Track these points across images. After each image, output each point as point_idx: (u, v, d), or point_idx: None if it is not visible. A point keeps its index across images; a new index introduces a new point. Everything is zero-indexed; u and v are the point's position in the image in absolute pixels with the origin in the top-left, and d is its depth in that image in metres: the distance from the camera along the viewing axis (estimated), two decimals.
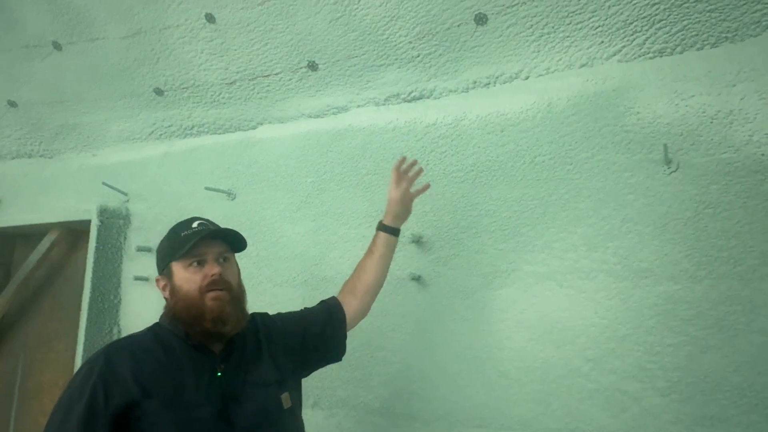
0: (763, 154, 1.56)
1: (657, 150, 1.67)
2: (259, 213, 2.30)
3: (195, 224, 1.40)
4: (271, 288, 2.21)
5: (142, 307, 2.55)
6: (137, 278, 2.53)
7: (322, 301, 1.66)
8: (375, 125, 2.12)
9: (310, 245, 2.16)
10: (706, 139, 1.63)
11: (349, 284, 1.67)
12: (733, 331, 1.53)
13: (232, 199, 2.38)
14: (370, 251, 1.67)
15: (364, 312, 1.67)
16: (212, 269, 1.34)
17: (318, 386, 2.03)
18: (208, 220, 1.45)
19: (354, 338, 2.02)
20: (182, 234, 1.38)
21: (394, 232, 1.68)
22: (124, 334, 2.58)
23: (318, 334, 1.56)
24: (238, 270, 1.45)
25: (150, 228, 2.58)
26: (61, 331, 2.78)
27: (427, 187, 1.74)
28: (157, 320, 1.42)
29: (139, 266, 2.57)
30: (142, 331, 1.40)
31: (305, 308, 1.64)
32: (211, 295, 1.32)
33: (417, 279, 1.94)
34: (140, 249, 2.52)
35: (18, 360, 2.93)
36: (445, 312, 1.88)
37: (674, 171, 1.65)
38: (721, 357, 1.53)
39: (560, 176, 1.79)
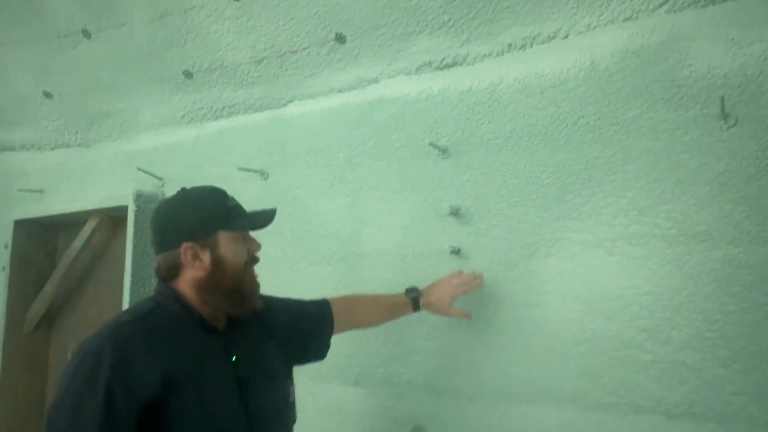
0: None
1: (713, 104, 1.55)
2: (292, 191, 2.27)
3: (230, 194, 1.37)
4: (308, 267, 2.18)
5: None
6: None
7: (314, 301, 1.63)
8: (407, 95, 2.05)
9: (345, 221, 2.12)
10: (767, 89, 1.50)
11: (351, 308, 1.69)
12: None
13: (265, 179, 2.35)
14: (392, 305, 1.72)
15: (344, 331, 1.68)
16: (256, 247, 1.34)
17: (359, 364, 2.00)
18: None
19: None
20: (230, 204, 1.32)
21: (418, 310, 1.75)
22: None
23: (310, 329, 1.56)
24: None
25: None
26: (105, 317, 2.82)
27: (469, 315, 1.76)
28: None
29: None
30: (142, 309, 1.27)
31: (297, 299, 1.61)
32: (251, 272, 1.33)
33: (457, 252, 1.87)
34: None
35: (67, 347, 3.00)
36: (488, 285, 1.81)
37: (732, 126, 1.53)
38: None
39: (606, 138, 1.68)
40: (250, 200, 2.35)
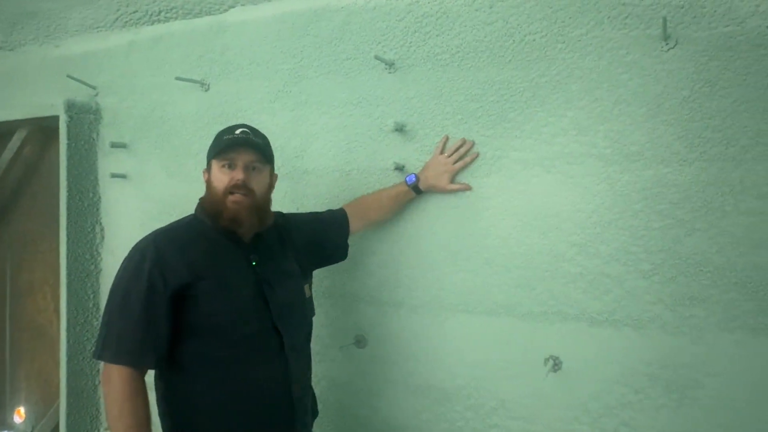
0: (767, 27, 1.46)
1: (655, 25, 1.55)
2: (235, 104, 2.19)
3: (238, 131, 1.53)
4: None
5: (122, 205, 2.50)
6: (114, 175, 2.45)
7: (330, 211, 1.85)
8: (354, 4, 1.96)
9: (290, 137, 2.08)
10: (709, 11, 1.51)
11: (362, 206, 1.85)
12: (720, 213, 1.51)
13: (206, 90, 2.26)
14: (396, 197, 1.83)
15: (356, 232, 1.88)
16: (237, 174, 1.48)
17: None
18: (252, 129, 1.57)
19: None
20: (224, 137, 1.52)
21: (420, 193, 1.83)
22: (107, 233, 2.57)
23: (327, 236, 1.79)
24: (270, 182, 1.59)
25: (123, 123, 2.47)
26: (44, 231, 2.75)
27: (468, 187, 1.80)
28: (150, 221, 1.60)
29: (115, 163, 2.49)
30: (181, 221, 1.57)
31: (313, 212, 1.85)
32: (231, 197, 1.47)
33: (401, 169, 1.88)
34: (114, 145, 2.43)
35: (6, 260, 2.93)
36: (430, 200, 1.85)
37: (672, 47, 1.55)
38: (706, 239, 1.52)
39: (552, 56, 1.68)
40: (190, 112, 2.29)
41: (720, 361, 1.52)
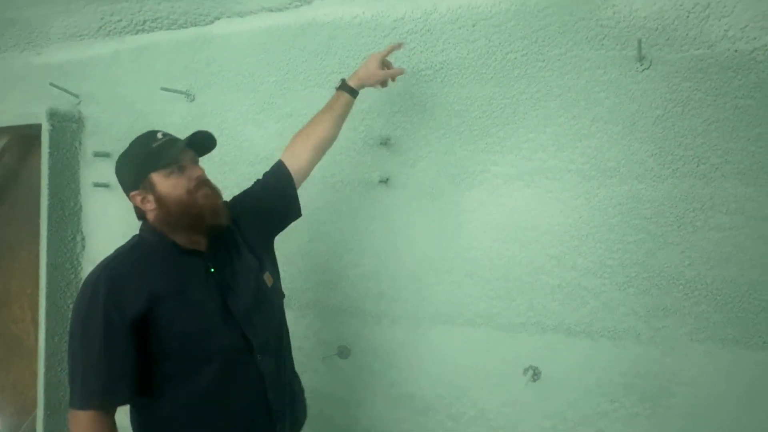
0: (736, 51, 1.53)
1: (631, 46, 1.62)
2: (221, 115, 2.21)
3: (159, 135, 1.42)
4: (237, 192, 2.16)
5: (103, 214, 2.49)
6: (96, 185, 2.45)
7: (270, 169, 1.69)
8: (340, 19, 2.00)
9: (275, 148, 2.10)
10: (681, 34, 1.58)
11: (301, 136, 1.70)
12: (691, 228, 1.57)
13: (191, 101, 2.27)
14: (329, 108, 1.70)
15: (312, 165, 1.72)
16: (196, 171, 1.41)
17: (288, 288, 2.03)
18: (164, 131, 1.47)
19: (322, 241, 2.03)
20: (153, 146, 1.40)
21: (356, 95, 1.72)
22: (88, 242, 2.55)
23: (270, 198, 1.64)
24: None
25: (105, 132, 2.46)
26: (23, 240, 2.72)
27: (402, 71, 1.73)
28: (132, 231, 1.46)
29: (97, 172, 2.48)
30: (127, 246, 1.45)
31: (256, 180, 1.68)
32: (201, 193, 1.39)
33: (385, 181, 1.92)
34: (97, 154, 2.42)
35: None
36: (413, 214, 1.89)
37: (647, 68, 1.62)
38: (678, 253, 1.58)
39: (532, 74, 1.73)
40: (175, 123, 2.30)
41: (691, 370, 1.58)
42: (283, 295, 1.62)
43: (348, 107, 1.72)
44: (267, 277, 1.55)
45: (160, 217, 1.40)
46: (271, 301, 1.55)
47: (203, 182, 1.41)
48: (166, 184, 1.38)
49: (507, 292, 1.76)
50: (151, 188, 1.39)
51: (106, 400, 1.30)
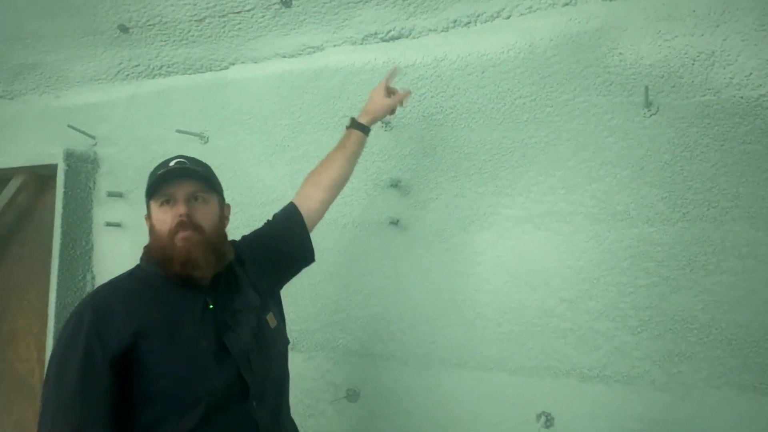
0: (742, 97, 1.56)
1: (638, 92, 1.66)
2: (234, 157, 2.24)
3: (172, 163, 1.35)
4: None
5: (114, 254, 2.51)
6: (109, 224, 2.47)
7: (281, 210, 1.63)
8: (352, 65, 2.06)
9: (287, 189, 2.13)
10: (687, 81, 1.62)
11: (313, 177, 1.65)
12: (703, 272, 1.57)
13: (205, 143, 2.31)
14: (341, 147, 1.66)
15: (326, 205, 1.66)
16: (179, 209, 1.28)
17: (296, 329, 2.04)
18: (189, 158, 1.39)
19: (332, 282, 2.03)
20: (158, 173, 1.33)
21: (368, 131, 1.70)
22: (98, 281, 2.55)
23: (280, 241, 1.56)
24: (220, 210, 1.39)
25: (120, 172, 2.50)
26: (33, 278, 2.73)
27: (408, 93, 1.74)
28: (137, 262, 1.38)
29: (110, 212, 2.51)
30: (124, 274, 1.37)
31: (267, 221, 1.62)
32: (180, 236, 1.27)
33: (395, 223, 1.93)
34: (111, 194, 2.46)
35: None
36: (424, 255, 1.89)
37: (654, 114, 1.65)
38: (691, 296, 1.58)
39: (540, 118, 1.77)
40: None
41: (707, 417, 1.55)
42: (287, 342, 1.50)
43: (360, 145, 1.68)
44: (270, 318, 1.44)
45: (150, 247, 1.34)
46: (272, 343, 1.42)
47: (184, 224, 1.27)
48: (156, 215, 1.32)
49: (518, 336, 1.75)
50: (150, 216, 1.35)
51: None
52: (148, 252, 1.35)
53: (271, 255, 1.53)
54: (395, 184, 1.93)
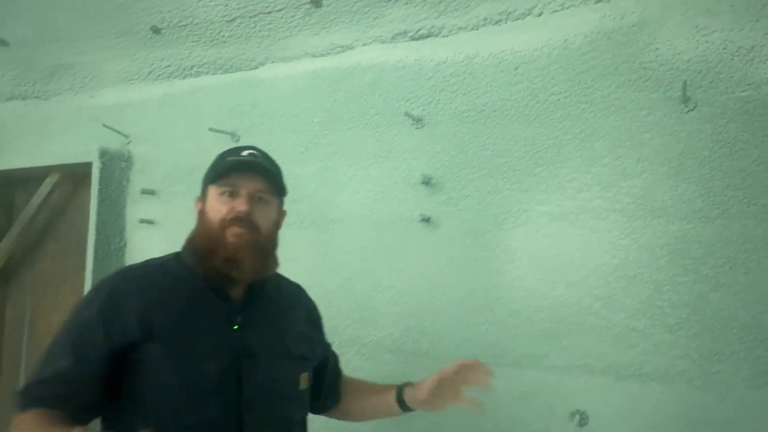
0: None
1: (675, 88, 1.63)
2: None
3: (245, 152, 1.26)
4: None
5: (147, 251, 2.54)
6: (142, 221, 2.51)
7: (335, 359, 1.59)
8: (384, 63, 2.06)
9: (318, 186, 2.15)
10: (726, 76, 1.59)
11: (346, 397, 1.54)
12: (744, 270, 1.54)
13: (237, 141, 2.34)
14: (375, 406, 1.51)
15: (333, 412, 1.55)
16: (240, 205, 1.19)
17: (327, 325, 2.04)
18: (261, 152, 1.30)
19: (363, 279, 2.04)
20: (228, 159, 1.24)
21: (408, 410, 1.48)
22: None
23: (324, 374, 1.49)
24: (277, 218, 1.30)
25: (153, 170, 2.54)
26: (67, 274, 2.79)
27: (482, 407, 1.41)
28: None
29: (143, 209, 2.55)
30: (161, 259, 1.28)
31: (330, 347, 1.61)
32: (231, 231, 1.18)
33: (427, 220, 1.93)
34: (144, 192, 2.50)
35: (26, 303, 2.95)
36: (456, 253, 1.89)
37: (692, 109, 1.63)
38: (731, 295, 1.55)
39: (575, 115, 1.76)
40: None
41: (747, 418, 1.52)
42: (306, 411, 1.35)
43: (389, 415, 1.50)
44: (304, 378, 1.30)
45: (192, 237, 1.25)
46: (294, 403, 1.28)
47: (241, 220, 1.18)
48: (213, 203, 1.22)
49: (553, 333, 1.74)
50: (205, 201, 1.25)
51: (55, 403, 1.09)
52: (191, 242, 1.25)
53: (313, 342, 1.45)
54: (427, 181, 1.94)
